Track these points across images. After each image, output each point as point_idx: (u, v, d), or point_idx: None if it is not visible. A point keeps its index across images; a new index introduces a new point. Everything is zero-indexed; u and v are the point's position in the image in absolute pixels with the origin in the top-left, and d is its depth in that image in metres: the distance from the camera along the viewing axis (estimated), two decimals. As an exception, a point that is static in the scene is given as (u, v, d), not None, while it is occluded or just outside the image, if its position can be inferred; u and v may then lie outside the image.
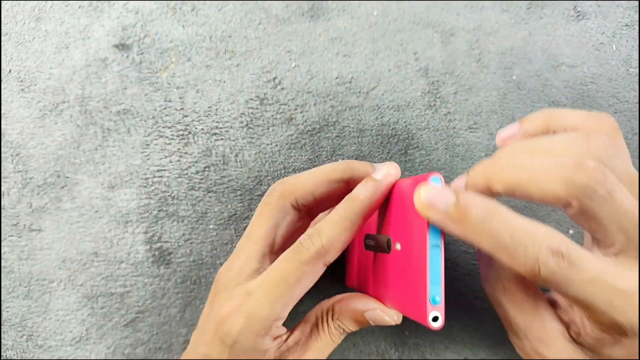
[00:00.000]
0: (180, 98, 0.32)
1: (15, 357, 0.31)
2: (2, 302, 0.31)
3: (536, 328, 0.24)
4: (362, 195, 0.23)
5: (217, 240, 0.32)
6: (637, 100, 0.34)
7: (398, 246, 0.23)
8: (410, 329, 0.32)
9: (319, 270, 0.23)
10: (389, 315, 0.24)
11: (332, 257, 0.23)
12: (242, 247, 0.25)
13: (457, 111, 0.33)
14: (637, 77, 0.34)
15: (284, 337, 0.24)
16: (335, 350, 0.32)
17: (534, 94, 0.33)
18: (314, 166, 0.32)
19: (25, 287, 0.31)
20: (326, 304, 0.25)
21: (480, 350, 0.32)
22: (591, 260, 0.21)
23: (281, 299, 0.22)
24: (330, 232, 0.23)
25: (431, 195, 0.21)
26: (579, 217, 0.22)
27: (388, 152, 0.33)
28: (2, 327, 0.31)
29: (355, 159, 0.33)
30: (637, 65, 0.34)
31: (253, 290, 0.23)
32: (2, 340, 0.31)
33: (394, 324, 0.24)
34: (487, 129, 0.33)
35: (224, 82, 0.33)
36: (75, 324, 0.31)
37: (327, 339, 0.25)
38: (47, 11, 0.33)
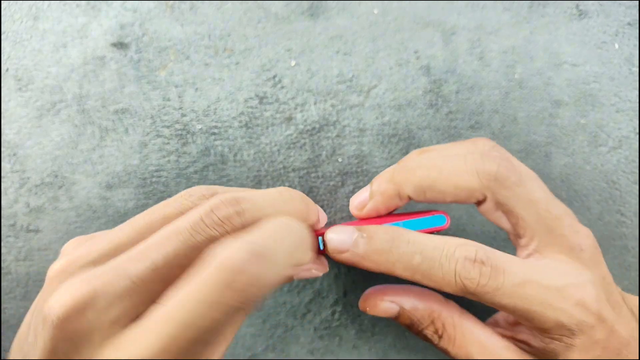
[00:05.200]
0: (178, 97, 0.32)
1: (12, 359, 0.31)
2: (0, 304, 0.31)
3: (478, 348, 0.22)
4: None
5: (216, 241, 0.31)
6: (639, 99, 0.33)
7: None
8: (411, 330, 0.32)
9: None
10: None
11: None
12: None
13: (458, 110, 0.33)
14: (639, 76, 0.34)
15: None
16: (336, 351, 0.32)
17: (536, 92, 0.33)
18: (314, 166, 0.32)
19: (23, 288, 0.31)
20: None
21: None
22: (516, 262, 0.20)
23: None
24: None
25: (336, 242, 0.21)
26: (494, 212, 0.21)
27: (389, 152, 0.32)
28: (1, 328, 0.31)
29: (356, 158, 0.32)
30: (639, 64, 0.34)
31: None
32: (1, 342, 0.31)
33: None
34: (489, 128, 0.33)
35: (223, 80, 0.32)
36: (73, 325, 0.31)
37: None
38: (44, 10, 0.33)
